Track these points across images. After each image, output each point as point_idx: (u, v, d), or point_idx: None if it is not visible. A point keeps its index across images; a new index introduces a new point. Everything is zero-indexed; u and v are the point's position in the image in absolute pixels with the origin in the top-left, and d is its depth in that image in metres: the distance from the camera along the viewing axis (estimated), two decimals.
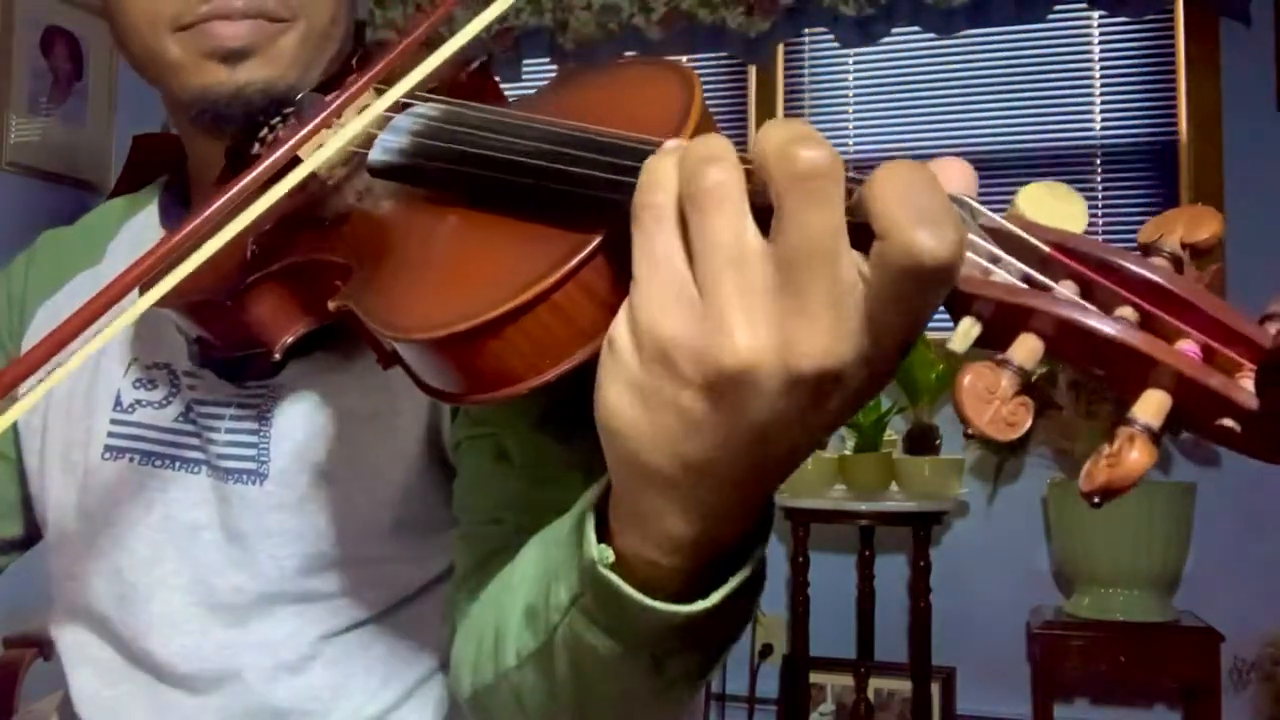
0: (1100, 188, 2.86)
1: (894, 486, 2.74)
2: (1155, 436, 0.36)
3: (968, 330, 0.39)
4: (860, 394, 0.40)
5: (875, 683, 2.75)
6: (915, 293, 0.37)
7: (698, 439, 0.41)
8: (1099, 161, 2.87)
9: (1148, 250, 0.39)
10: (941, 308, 0.39)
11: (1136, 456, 0.35)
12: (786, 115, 3.07)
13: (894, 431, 2.79)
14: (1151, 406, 0.37)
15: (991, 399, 0.37)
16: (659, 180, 0.41)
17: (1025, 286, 0.38)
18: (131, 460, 0.80)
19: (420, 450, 0.74)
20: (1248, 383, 0.36)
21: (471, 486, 0.71)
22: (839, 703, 2.79)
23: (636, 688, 0.52)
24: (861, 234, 0.37)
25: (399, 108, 0.58)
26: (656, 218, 0.40)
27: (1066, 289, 0.38)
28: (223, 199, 0.51)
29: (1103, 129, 2.87)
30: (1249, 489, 2.61)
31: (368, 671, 0.78)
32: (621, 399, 0.42)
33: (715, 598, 0.47)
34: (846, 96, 3.04)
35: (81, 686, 0.83)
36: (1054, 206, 0.40)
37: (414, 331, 0.47)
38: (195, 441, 0.79)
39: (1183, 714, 2.60)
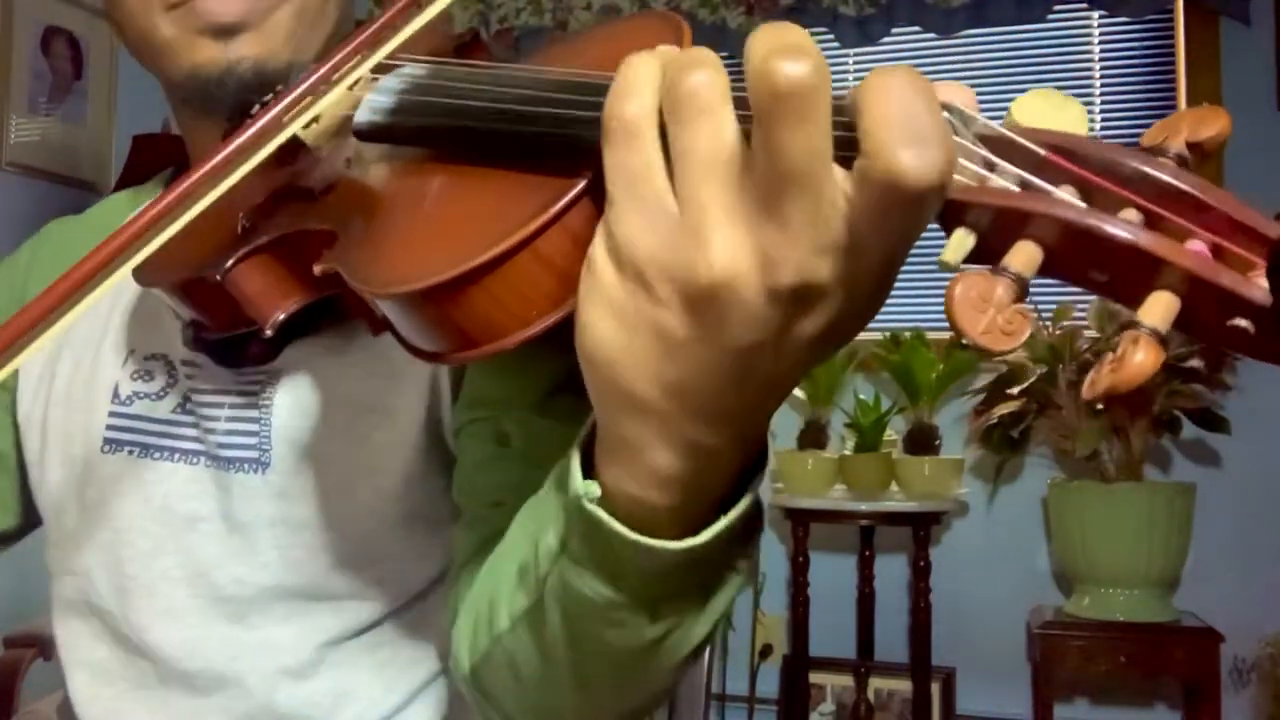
0: None
1: (894, 486, 2.74)
2: (1162, 339, 0.34)
3: (961, 241, 0.37)
4: (841, 321, 0.39)
5: (875, 683, 2.75)
6: (898, 214, 0.35)
7: (677, 360, 0.40)
8: None
9: (1152, 153, 0.37)
10: (935, 223, 0.37)
11: (1141, 358, 0.33)
12: None
13: (894, 431, 2.79)
14: (1158, 309, 0.35)
15: (986, 307, 0.34)
16: (632, 85, 0.39)
17: (1023, 191, 0.36)
18: (130, 453, 0.80)
19: (421, 439, 0.74)
20: (1260, 279, 0.34)
21: (472, 471, 0.71)
22: (839, 703, 2.79)
23: (630, 639, 0.50)
24: (848, 144, 0.35)
25: (386, 70, 0.57)
26: (629, 130, 0.38)
27: (1066, 193, 0.36)
28: (210, 164, 0.51)
29: (1103, 129, 2.87)
30: (1249, 489, 2.61)
31: (371, 676, 0.77)
32: (601, 321, 0.41)
33: (705, 536, 0.46)
34: None
35: (80, 687, 0.82)
36: (1051, 114, 0.38)
37: (394, 285, 0.46)
38: (193, 432, 0.79)
39: (1183, 714, 2.60)
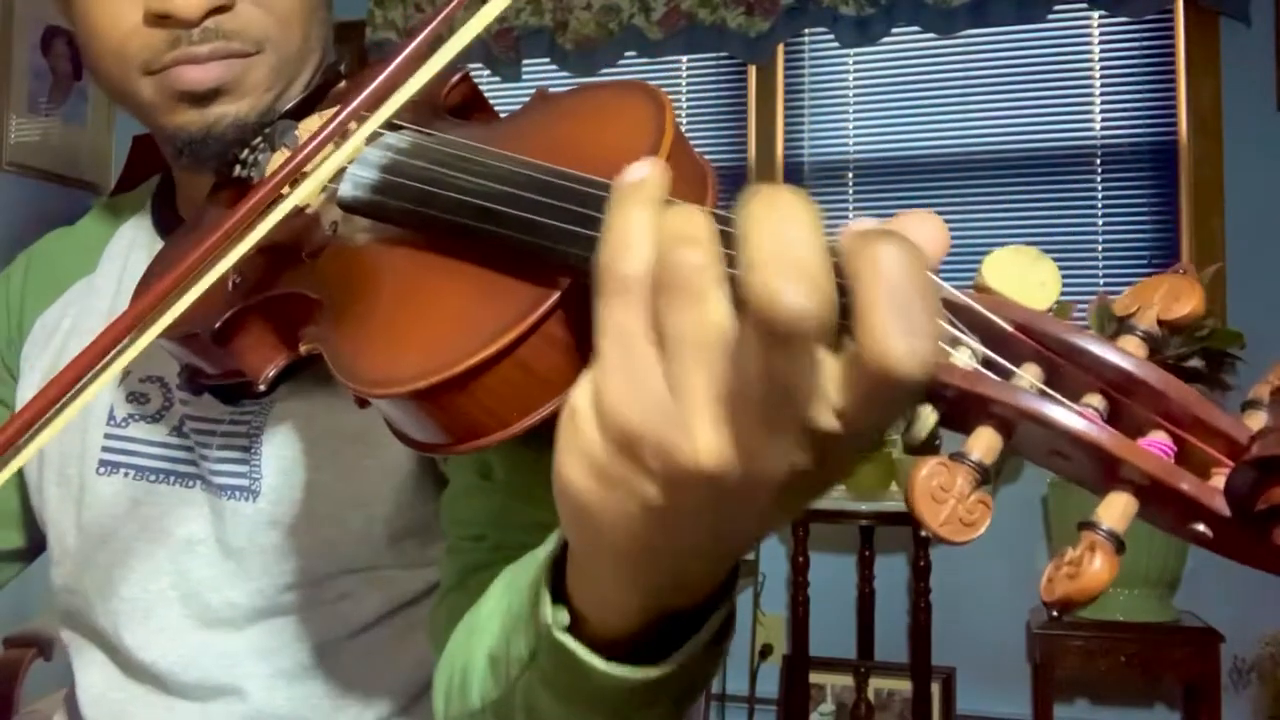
0: (1100, 188, 2.86)
1: (894, 486, 2.74)
2: (1120, 544, 0.33)
3: (925, 418, 0.36)
4: (826, 483, 0.38)
5: (875, 683, 2.75)
6: (882, 403, 0.33)
7: (655, 524, 0.38)
8: (1099, 162, 2.87)
9: (1122, 325, 0.37)
10: None
11: (1098, 567, 0.33)
12: (786, 115, 3.08)
13: (894, 431, 2.78)
14: (1117, 509, 0.34)
15: (946, 498, 0.34)
16: (626, 241, 0.36)
17: (986, 372, 0.36)
18: (126, 476, 0.80)
19: (411, 464, 0.74)
20: (1222, 481, 0.33)
21: (456, 500, 0.71)
22: (839, 703, 2.79)
23: None
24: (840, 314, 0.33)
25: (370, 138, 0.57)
26: (623, 292, 0.36)
27: (1030, 372, 0.36)
28: (205, 246, 0.52)
29: (1103, 129, 2.87)
30: None
31: (367, 679, 0.78)
32: (578, 474, 0.39)
33: (675, 660, 0.45)
34: (846, 96, 3.03)
35: (89, 687, 0.83)
36: (1022, 274, 0.37)
37: (376, 387, 0.47)
38: (189, 456, 0.79)
39: (1183, 714, 2.60)
